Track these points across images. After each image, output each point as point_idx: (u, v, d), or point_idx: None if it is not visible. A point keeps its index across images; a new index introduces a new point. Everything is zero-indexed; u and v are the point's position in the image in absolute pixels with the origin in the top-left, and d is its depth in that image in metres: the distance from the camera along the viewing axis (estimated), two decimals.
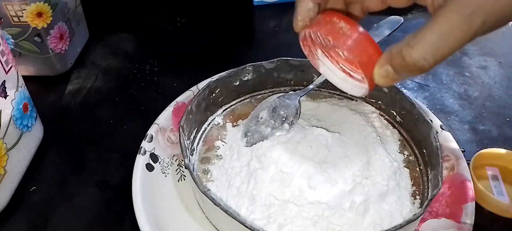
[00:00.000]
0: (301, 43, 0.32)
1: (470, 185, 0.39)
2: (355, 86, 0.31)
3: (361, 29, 0.27)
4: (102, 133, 0.50)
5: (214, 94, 0.45)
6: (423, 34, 0.22)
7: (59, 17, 0.54)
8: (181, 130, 0.38)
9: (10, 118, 0.41)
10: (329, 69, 0.33)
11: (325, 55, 0.32)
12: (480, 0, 0.21)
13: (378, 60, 0.25)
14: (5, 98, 0.40)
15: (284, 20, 0.69)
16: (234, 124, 0.45)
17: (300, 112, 0.43)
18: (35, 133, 0.46)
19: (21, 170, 0.44)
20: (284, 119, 0.42)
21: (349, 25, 0.26)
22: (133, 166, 0.40)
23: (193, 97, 0.43)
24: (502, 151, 0.44)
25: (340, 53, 0.31)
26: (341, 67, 0.32)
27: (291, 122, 0.42)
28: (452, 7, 0.21)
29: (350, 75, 0.31)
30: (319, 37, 0.31)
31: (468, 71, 0.57)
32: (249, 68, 0.46)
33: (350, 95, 0.47)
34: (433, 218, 0.37)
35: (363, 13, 0.32)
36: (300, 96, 0.44)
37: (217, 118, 0.46)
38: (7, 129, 0.40)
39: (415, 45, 0.22)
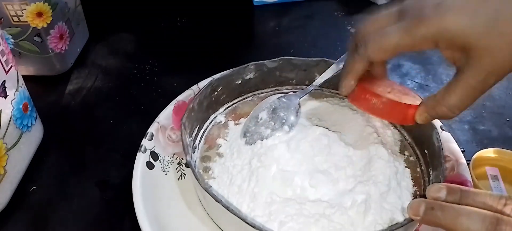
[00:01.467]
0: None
1: (470, 185, 0.39)
2: None
3: (384, 99, 0.35)
4: (102, 133, 0.50)
5: (216, 93, 0.45)
6: (449, 95, 0.31)
7: (59, 17, 0.54)
8: (183, 128, 0.38)
9: (10, 118, 0.41)
10: None
11: None
12: (490, 68, 0.29)
13: (418, 109, 0.34)
14: (5, 98, 0.40)
15: (284, 20, 0.70)
16: (236, 122, 0.45)
17: (300, 113, 0.43)
18: (35, 133, 0.46)
19: (21, 170, 0.43)
20: (283, 120, 0.42)
21: (378, 99, 0.35)
22: (133, 166, 0.40)
23: (195, 95, 0.42)
24: (502, 151, 0.44)
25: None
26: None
27: (291, 124, 0.42)
28: (470, 74, 0.29)
29: None
30: None
31: None
32: (251, 67, 0.46)
33: None
34: None
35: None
36: (300, 98, 0.44)
37: (219, 116, 0.46)
38: (7, 129, 0.40)
39: (444, 104, 0.31)
